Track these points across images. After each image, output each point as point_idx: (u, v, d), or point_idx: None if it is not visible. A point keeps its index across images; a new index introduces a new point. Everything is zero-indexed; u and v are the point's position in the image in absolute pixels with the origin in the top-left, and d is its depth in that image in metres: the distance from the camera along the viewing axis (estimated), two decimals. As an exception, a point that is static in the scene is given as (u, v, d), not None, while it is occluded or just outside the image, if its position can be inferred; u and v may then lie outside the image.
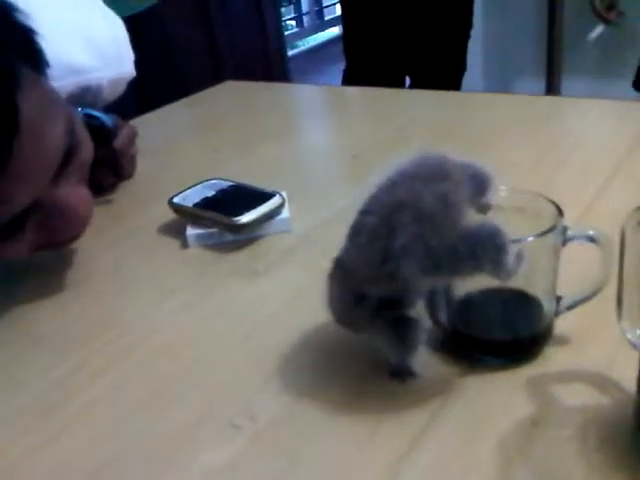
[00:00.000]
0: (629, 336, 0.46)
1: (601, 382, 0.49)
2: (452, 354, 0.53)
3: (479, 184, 0.50)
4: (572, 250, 0.50)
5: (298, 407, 0.50)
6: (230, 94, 1.32)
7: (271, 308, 0.62)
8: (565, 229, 0.50)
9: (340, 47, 2.56)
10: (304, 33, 4.86)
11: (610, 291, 0.49)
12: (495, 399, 0.48)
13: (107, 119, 0.85)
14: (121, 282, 0.70)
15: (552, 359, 0.51)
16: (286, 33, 4.25)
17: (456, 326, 0.53)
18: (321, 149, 1.04)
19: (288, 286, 0.65)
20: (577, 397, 0.48)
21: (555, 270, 0.51)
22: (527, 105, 1.09)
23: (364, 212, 0.47)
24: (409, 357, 0.50)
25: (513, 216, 0.52)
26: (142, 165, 0.95)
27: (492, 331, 0.53)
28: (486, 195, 0.51)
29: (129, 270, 0.72)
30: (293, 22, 4.88)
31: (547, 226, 0.48)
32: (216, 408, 0.50)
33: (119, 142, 0.87)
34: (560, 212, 0.49)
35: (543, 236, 0.48)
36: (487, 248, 0.45)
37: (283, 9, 4.44)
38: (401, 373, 0.50)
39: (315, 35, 4.90)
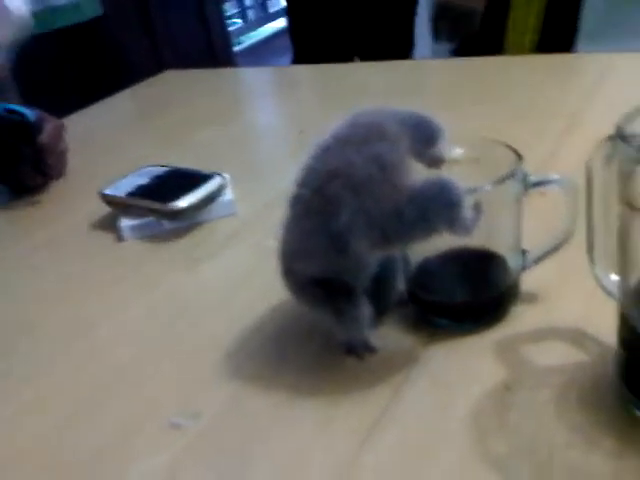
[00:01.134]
0: (603, 282, 0.42)
1: (577, 338, 0.44)
2: (413, 323, 0.48)
3: (427, 136, 0.46)
4: (535, 201, 0.46)
5: (246, 398, 0.44)
6: (171, 83, 1.25)
7: (215, 296, 0.57)
8: (526, 175, 0.45)
9: (287, 39, 2.50)
10: (249, 27, 4.78)
11: (578, 239, 0.45)
12: (463, 367, 0.44)
13: (29, 113, 0.79)
14: (53, 283, 0.63)
15: (521, 318, 0.47)
16: (230, 29, 4.16)
17: (415, 292, 0.48)
18: (267, 129, 0.99)
19: (233, 271, 0.60)
20: (552, 356, 0.44)
21: (519, 222, 0.46)
22: (478, 68, 1.05)
23: (298, 184, 0.44)
24: (357, 333, 0.45)
25: (469, 168, 0.47)
26: (75, 162, 0.88)
27: (454, 295, 0.48)
28: (436, 147, 0.47)
29: (61, 270, 0.65)
30: (239, 20, 4.79)
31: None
32: (153, 409, 0.45)
33: (44, 138, 0.80)
34: (519, 157, 0.45)
35: (502, 184, 0.43)
36: (438, 207, 0.40)
37: (226, 4, 4.36)
38: (357, 349, 0.45)
39: (260, 29, 4.82)
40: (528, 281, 0.48)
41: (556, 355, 0.44)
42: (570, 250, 0.47)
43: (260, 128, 1.01)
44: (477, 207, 0.41)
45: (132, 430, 0.43)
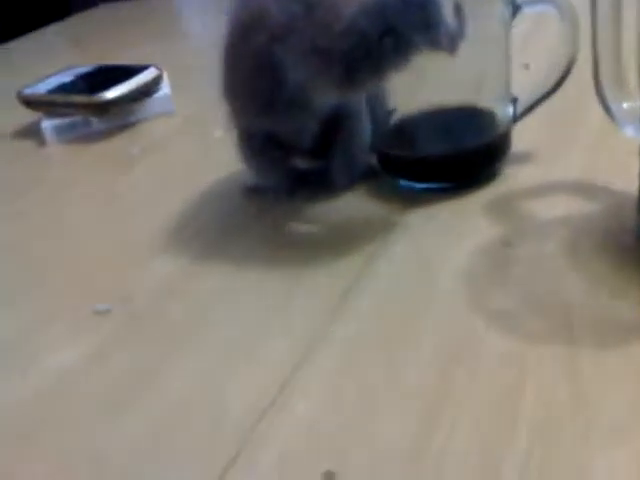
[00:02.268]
0: (614, 112, 0.34)
1: (584, 189, 0.37)
2: (386, 193, 0.40)
3: None
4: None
5: (187, 279, 0.36)
6: (104, 15, 1.15)
7: (152, 187, 0.48)
8: (513, -4, 0.37)
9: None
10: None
11: (575, 82, 0.38)
12: (449, 229, 0.36)
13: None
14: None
15: (516, 176, 0.39)
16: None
17: (388, 154, 0.40)
18: (209, 39, 0.90)
19: (173, 165, 0.51)
20: (555, 210, 0.36)
21: (506, 57, 0.38)
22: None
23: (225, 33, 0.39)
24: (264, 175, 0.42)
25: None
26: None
27: (433, 148, 0.40)
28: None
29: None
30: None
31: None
32: (74, 298, 0.36)
33: None
34: (505, -29, 0.37)
35: (486, -1, 0.35)
36: (408, 13, 0.32)
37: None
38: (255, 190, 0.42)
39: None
40: (521, 136, 0.41)
41: (560, 208, 0.36)
42: (565, 96, 0.39)
43: (200, 40, 0.92)
44: (459, 12, 0.33)
45: (46, 321, 0.35)
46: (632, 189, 0.33)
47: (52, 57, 0.96)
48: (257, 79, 0.37)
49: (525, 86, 0.41)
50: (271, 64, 0.35)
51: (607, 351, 0.27)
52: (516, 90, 0.40)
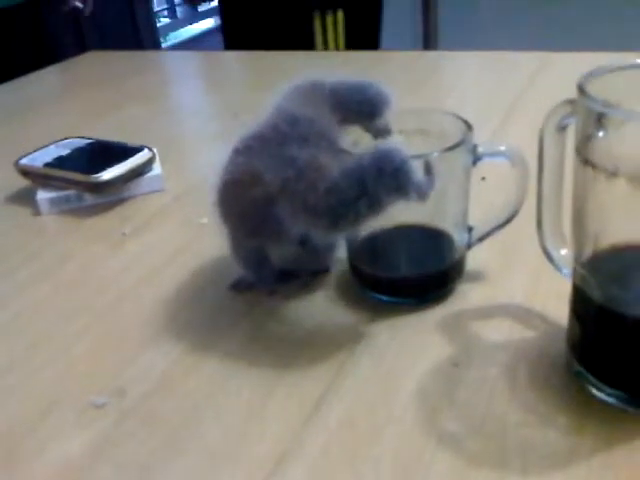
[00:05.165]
0: (553, 257, 0.41)
1: (523, 315, 0.43)
2: (356, 300, 0.46)
3: (370, 109, 0.45)
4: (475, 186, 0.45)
5: (176, 376, 0.41)
6: (95, 62, 1.19)
7: (141, 273, 0.52)
8: (475, 147, 0.43)
9: (216, 38, 2.43)
10: (177, 24, 4.68)
11: (522, 217, 0.44)
12: (408, 343, 0.41)
13: None
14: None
15: (467, 296, 0.45)
16: (158, 25, 4.05)
17: (358, 266, 0.46)
18: (198, 109, 0.95)
19: (162, 247, 0.56)
20: (499, 333, 0.42)
21: (466, 196, 0.45)
22: (409, 61, 1.04)
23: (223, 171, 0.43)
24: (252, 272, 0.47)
25: (416, 139, 0.45)
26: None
27: (398, 269, 0.46)
28: (382, 118, 0.45)
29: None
30: (167, 17, 4.67)
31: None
32: (71, 388, 0.41)
33: None
34: (469, 127, 0.43)
35: (451, 151, 0.41)
36: (381, 176, 0.37)
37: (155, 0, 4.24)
38: (241, 286, 0.47)
39: (189, 27, 4.73)
40: (473, 259, 0.47)
41: (503, 332, 0.42)
42: (514, 228, 0.46)
43: (188, 108, 0.97)
44: (428, 169, 0.39)
45: (43, 413, 0.39)
46: (563, 320, 0.39)
47: (39, 105, 1.00)
48: (251, 222, 0.42)
49: (482, 198, 0.46)
50: (264, 216, 0.40)
51: (532, 478, 0.32)
52: (474, 204, 0.45)
